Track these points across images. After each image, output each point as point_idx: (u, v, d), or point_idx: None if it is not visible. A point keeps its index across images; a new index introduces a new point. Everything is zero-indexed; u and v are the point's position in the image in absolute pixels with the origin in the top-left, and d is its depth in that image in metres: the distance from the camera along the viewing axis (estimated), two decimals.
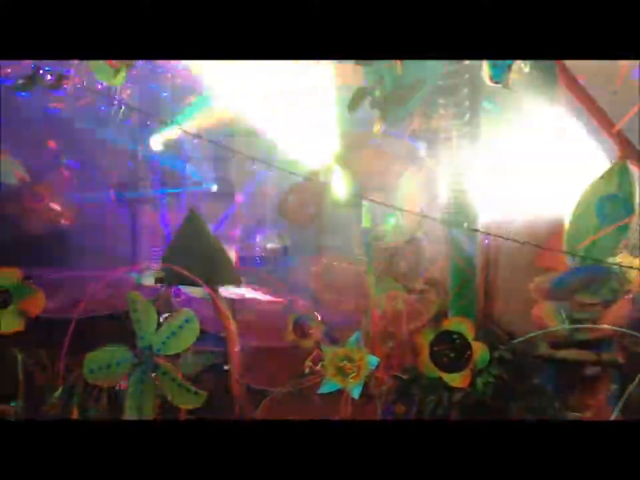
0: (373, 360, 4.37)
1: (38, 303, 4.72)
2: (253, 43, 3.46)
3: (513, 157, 4.91)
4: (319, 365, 4.48)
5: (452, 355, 4.13)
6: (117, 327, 5.66)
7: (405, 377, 4.54)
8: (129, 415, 4.55)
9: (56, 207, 7.01)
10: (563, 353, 5.01)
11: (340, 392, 4.49)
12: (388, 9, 3.35)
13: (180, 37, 3.46)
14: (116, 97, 4.45)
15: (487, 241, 4.96)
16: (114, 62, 4.22)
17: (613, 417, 4.24)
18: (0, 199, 6.40)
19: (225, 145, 4.44)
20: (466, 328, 4.19)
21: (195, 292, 5.89)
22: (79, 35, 3.46)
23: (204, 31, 3.45)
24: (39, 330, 4.83)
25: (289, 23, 3.38)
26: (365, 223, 5.70)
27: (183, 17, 3.42)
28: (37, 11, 3.39)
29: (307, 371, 4.52)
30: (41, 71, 4.35)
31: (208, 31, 3.45)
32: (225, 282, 5.65)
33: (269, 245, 7.72)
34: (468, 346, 4.15)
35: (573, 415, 4.54)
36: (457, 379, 4.14)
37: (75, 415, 4.47)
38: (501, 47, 3.50)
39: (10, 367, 4.91)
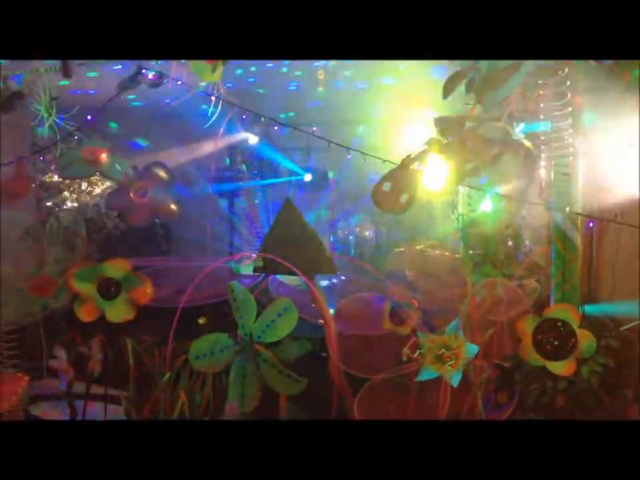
0: (472, 348, 4.30)
1: (146, 292, 4.97)
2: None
3: (617, 137, 4.68)
4: (417, 353, 4.45)
5: (556, 342, 4.02)
6: (219, 315, 5.89)
7: (506, 364, 4.45)
8: (232, 400, 4.72)
9: (160, 200, 7.27)
10: None
11: (439, 380, 4.46)
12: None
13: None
14: (214, 92, 4.56)
15: (591, 224, 4.76)
16: None
17: None
18: (110, 195, 6.72)
19: (318, 135, 4.46)
20: (570, 315, 4.07)
21: (292, 280, 5.99)
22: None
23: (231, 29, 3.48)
24: (147, 318, 5.08)
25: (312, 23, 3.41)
26: (462, 208, 5.60)
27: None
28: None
29: (404, 358, 4.49)
30: (144, 70, 4.52)
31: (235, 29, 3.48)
32: (321, 270, 5.71)
33: (364, 233, 7.73)
34: (573, 334, 4.03)
35: None
36: (562, 368, 4.03)
37: (182, 398, 4.66)
38: (502, 46, 3.42)
39: (121, 354, 5.17)
